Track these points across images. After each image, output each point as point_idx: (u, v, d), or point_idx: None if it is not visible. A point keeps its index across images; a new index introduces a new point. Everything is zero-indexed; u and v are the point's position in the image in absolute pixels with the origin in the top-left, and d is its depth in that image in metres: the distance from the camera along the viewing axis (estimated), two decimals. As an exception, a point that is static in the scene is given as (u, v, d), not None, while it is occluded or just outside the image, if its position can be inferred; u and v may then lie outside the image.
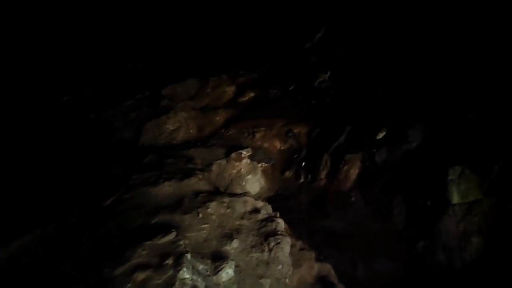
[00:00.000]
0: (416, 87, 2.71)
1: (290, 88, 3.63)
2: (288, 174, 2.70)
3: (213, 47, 4.70)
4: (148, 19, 5.33)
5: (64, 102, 4.26)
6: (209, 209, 1.63)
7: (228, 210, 1.66)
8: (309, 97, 3.40)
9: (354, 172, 2.43)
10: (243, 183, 2.53)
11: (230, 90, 3.73)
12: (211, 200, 1.69)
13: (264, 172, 2.74)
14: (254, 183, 2.58)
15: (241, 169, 2.57)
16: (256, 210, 1.72)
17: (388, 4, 3.72)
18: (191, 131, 3.17)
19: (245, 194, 1.85)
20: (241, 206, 1.71)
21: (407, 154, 2.38)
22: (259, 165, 2.75)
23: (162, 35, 5.18)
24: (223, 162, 2.56)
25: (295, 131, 2.96)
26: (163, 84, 3.88)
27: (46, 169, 2.55)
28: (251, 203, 1.75)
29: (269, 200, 2.46)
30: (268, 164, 2.80)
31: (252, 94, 3.67)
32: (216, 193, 1.87)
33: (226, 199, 1.71)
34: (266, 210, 1.72)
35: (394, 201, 2.20)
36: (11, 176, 2.44)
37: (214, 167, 2.48)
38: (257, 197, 2.41)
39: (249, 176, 2.56)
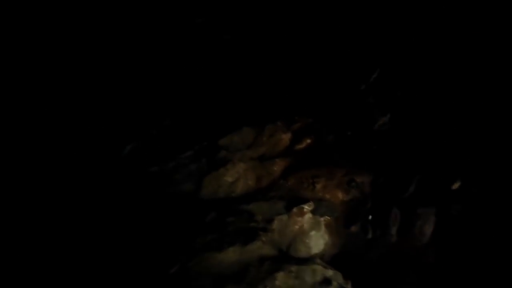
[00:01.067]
0: (494, 131, 2.49)
1: (348, 133, 3.52)
2: (354, 228, 2.55)
3: (266, 93, 4.76)
4: (200, 70, 5.54)
5: (125, 154, 4.44)
6: (276, 281, 1.55)
7: (297, 281, 1.57)
8: (369, 142, 3.26)
9: (429, 228, 2.23)
10: (307, 240, 2.41)
11: (286, 137, 3.70)
12: (277, 270, 1.61)
13: (327, 226, 2.61)
14: (318, 240, 2.46)
15: (303, 224, 2.47)
16: (326, 281, 1.60)
17: (445, 40, 3.58)
18: (249, 182, 3.14)
19: (312, 259, 1.74)
20: (310, 276, 1.61)
21: (486, 207, 2.15)
22: (322, 219, 2.63)
23: (216, 84, 5.36)
24: (284, 217, 2.48)
25: (358, 180, 2.83)
26: (220, 134, 3.95)
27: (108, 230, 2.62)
28: (320, 271, 1.64)
29: (335, 258, 2.33)
30: (331, 218, 2.67)
31: (308, 141, 3.61)
32: (281, 259, 1.79)
33: (294, 268, 1.63)
34: (337, 280, 1.60)
35: (476, 264, 1.97)
36: (76, 241, 2.54)
37: (275, 224, 2.41)
38: (321, 255, 2.29)
39: (313, 233, 2.45)
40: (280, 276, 1.52)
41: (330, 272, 1.60)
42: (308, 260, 1.70)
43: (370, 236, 2.44)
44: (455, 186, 2.29)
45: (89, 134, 4.68)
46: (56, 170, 3.74)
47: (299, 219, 2.47)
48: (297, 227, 2.46)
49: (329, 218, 2.66)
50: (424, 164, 2.64)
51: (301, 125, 3.97)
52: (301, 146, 3.60)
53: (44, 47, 5.22)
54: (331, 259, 2.30)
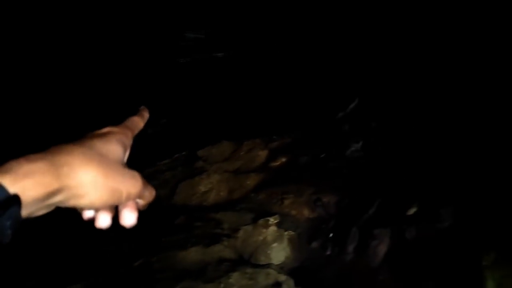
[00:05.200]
0: (452, 165, 2.69)
1: (322, 156, 3.69)
2: (315, 244, 2.67)
3: (247, 111, 4.93)
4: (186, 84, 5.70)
5: None
6: (231, 280, 1.65)
7: (250, 282, 1.67)
8: (340, 166, 3.43)
9: (383, 249, 2.37)
10: (268, 251, 2.52)
11: (263, 154, 3.84)
12: (234, 270, 1.71)
13: (290, 240, 2.73)
14: (280, 252, 2.57)
15: (267, 236, 2.58)
16: (277, 284, 1.71)
17: (424, 78, 3.83)
18: (221, 193, 3.25)
19: (268, 265, 1.85)
20: (263, 279, 1.71)
21: (438, 233, 2.31)
22: (286, 233, 2.75)
23: (199, 98, 5.51)
24: (250, 228, 2.59)
25: (324, 200, 2.97)
26: (200, 145, 4.08)
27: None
28: (273, 276, 1.75)
29: (293, 271, 2.44)
30: (295, 233, 2.79)
31: (283, 159, 3.76)
32: (240, 262, 1.90)
33: (249, 270, 1.73)
34: (288, 285, 1.71)
35: (424, 284, 2.11)
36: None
37: (240, 233, 2.52)
38: (281, 267, 2.40)
39: (275, 244, 2.56)
40: (235, 276, 1.62)
41: (282, 277, 1.71)
42: (264, 266, 1.80)
43: (328, 252, 2.56)
44: (411, 211, 2.45)
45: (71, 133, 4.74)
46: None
47: (264, 230, 2.58)
48: (260, 238, 2.57)
49: (293, 233, 2.78)
50: (386, 190, 2.80)
51: (278, 144, 4.13)
52: (276, 163, 3.75)
53: (40, 52, 5.33)
54: (290, 271, 2.41)
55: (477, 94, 3.21)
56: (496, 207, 2.17)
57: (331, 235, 2.69)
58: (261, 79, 5.36)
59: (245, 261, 1.99)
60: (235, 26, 6.08)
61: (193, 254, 1.82)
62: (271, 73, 5.30)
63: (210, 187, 3.26)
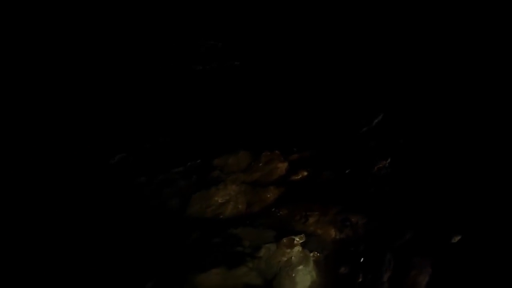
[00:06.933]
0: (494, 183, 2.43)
1: (346, 172, 3.44)
2: (343, 270, 2.41)
3: (267, 121, 4.71)
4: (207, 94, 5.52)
5: (114, 163, 4.30)
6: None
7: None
8: (367, 184, 3.18)
9: (423, 280, 2.11)
10: (293, 275, 2.27)
11: (283, 166, 3.61)
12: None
13: (316, 263, 2.47)
14: (305, 276, 2.31)
15: (291, 257, 2.33)
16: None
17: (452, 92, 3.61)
18: (239, 206, 3.01)
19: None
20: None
21: (485, 264, 2.05)
22: (311, 254, 2.49)
23: (216, 105, 5.31)
24: (273, 247, 2.35)
25: (352, 220, 2.72)
26: (215, 154, 3.85)
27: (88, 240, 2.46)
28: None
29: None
30: (321, 254, 2.53)
31: (305, 173, 3.52)
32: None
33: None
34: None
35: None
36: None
37: (262, 252, 2.27)
38: (307, 293, 2.14)
39: (300, 267, 2.31)
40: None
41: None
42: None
43: (360, 279, 2.30)
44: (455, 239, 2.19)
45: (83, 138, 4.56)
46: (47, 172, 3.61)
47: (288, 250, 2.33)
48: (284, 258, 2.32)
49: (318, 254, 2.53)
50: (423, 213, 2.55)
51: (298, 157, 3.89)
52: (297, 177, 3.50)
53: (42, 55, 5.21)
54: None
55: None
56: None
57: (361, 259, 2.44)
58: (282, 88, 5.15)
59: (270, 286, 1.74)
60: (255, 34, 5.92)
61: (214, 277, 1.59)
62: (292, 82, 5.10)
63: (227, 198, 3.02)
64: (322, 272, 2.44)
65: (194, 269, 1.65)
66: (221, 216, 2.91)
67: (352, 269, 2.40)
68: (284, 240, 2.34)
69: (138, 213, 2.94)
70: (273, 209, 2.96)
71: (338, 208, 2.83)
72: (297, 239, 2.34)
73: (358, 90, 4.61)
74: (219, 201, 3.01)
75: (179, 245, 2.08)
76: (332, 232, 2.68)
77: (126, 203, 3.12)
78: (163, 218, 2.88)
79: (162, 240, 2.30)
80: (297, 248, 2.34)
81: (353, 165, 3.55)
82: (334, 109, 4.59)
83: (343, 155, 3.84)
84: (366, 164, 3.51)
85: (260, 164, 3.64)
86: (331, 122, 4.48)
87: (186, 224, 2.65)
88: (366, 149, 3.84)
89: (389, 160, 3.46)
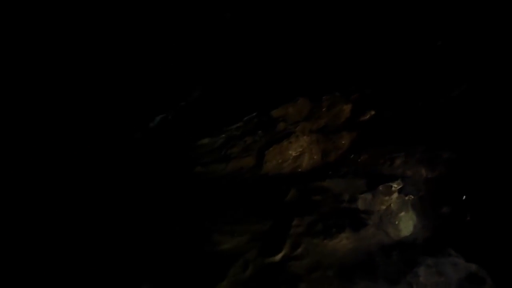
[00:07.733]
0: None
1: (419, 104, 3.19)
2: (445, 210, 2.28)
3: (319, 61, 4.40)
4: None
5: (154, 126, 4.18)
6: (420, 278, 1.31)
7: (442, 279, 1.33)
8: (448, 113, 2.94)
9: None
10: (396, 222, 2.17)
11: (347, 108, 3.40)
12: (415, 264, 1.36)
13: (412, 207, 2.36)
14: (408, 222, 2.21)
15: (390, 204, 2.22)
16: (474, 278, 1.36)
17: None
18: (315, 157, 2.89)
19: (449, 253, 1.49)
20: (451, 271, 1.36)
21: None
22: (406, 198, 2.37)
23: (262, 51, 5.00)
24: (369, 196, 2.23)
25: (444, 156, 2.54)
26: (270, 105, 3.66)
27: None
28: (462, 266, 1.39)
29: (427, 243, 2.08)
30: (415, 197, 2.41)
31: (373, 112, 3.30)
32: (407, 247, 1.54)
33: (430, 261, 1.38)
34: (485, 278, 1.35)
35: None
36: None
37: (359, 203, 2.17)
38: (413, 238, 2.05)
39: (402, 214, 2.20)
40: (422, 272, 1.28)
41: (473, 267, 1.35)
42: (445, 254, 1.43)
43: (468, 218, 2.17)
44: None
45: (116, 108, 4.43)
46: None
47: (386, 198, 2.21)
48: (383, 207, 2.21)
49: (413, 197, 2.40)
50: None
51: (360, 95, 3.63)
52: (366, 117, 3.29)
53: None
54: (424, 244, 2.05)
55: None
56: None
57: (464, 197, 2.29)
58: (326, 25, 4.76)
59: (407, 244, 1.64)
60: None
61: (345, 243, 1.49)
62: (339, 18, 4.68)
63: (301, 151, 2.90)
64: (421, 214, 2.32)
65: (319, 235, 1.54)
66: (300, 169, 2.80)
67: (454, 208, 2.27)
68: (381, 188, 2.22)
69: (202, 177, 2.88)
70: (352, 156, 2.82)
71: (424, 145, 2.65)
72: (395, 186, 2.21)
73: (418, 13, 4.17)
74: (293, 154, 2.89)
75: (284, 209, 1.98)
76: (423, 172, 2.52)
77: (182, 170, 3.05)
78: (239, 179, 2.80)
79: (250, 202, 2.23)
80: (395, 195, 2.22)
81: (425, 96, 3.29)
82: (391, 34, 4.20)
83: (410, 86, 3.55)
84: (439, 92, 3.24)
85: (324, 109, 3.44)
86: (387, 47, 4.10)
87: (268, 182, 2.57)
88: (435, 72, 3.51)
89: (465, 86, 3.17)
